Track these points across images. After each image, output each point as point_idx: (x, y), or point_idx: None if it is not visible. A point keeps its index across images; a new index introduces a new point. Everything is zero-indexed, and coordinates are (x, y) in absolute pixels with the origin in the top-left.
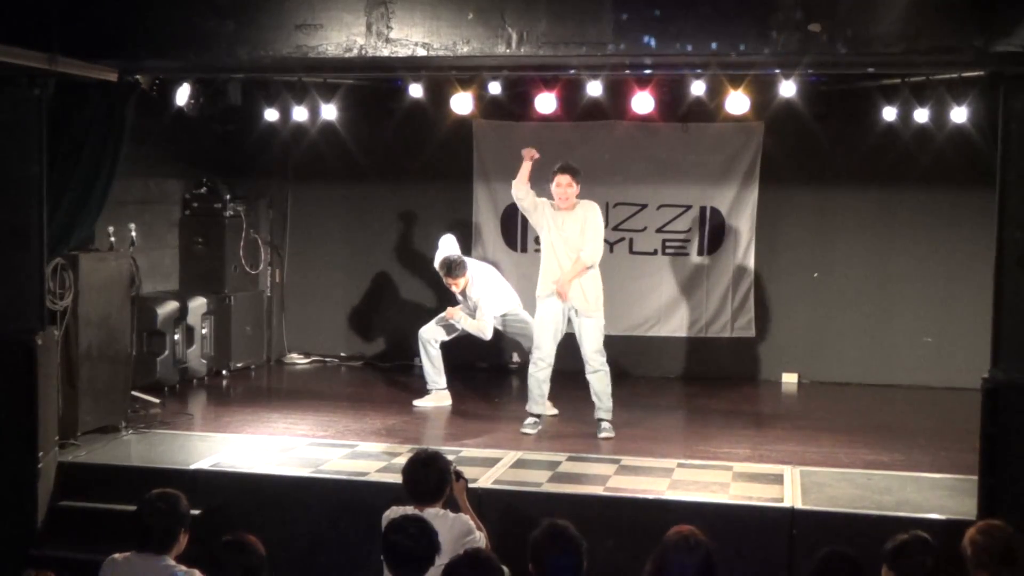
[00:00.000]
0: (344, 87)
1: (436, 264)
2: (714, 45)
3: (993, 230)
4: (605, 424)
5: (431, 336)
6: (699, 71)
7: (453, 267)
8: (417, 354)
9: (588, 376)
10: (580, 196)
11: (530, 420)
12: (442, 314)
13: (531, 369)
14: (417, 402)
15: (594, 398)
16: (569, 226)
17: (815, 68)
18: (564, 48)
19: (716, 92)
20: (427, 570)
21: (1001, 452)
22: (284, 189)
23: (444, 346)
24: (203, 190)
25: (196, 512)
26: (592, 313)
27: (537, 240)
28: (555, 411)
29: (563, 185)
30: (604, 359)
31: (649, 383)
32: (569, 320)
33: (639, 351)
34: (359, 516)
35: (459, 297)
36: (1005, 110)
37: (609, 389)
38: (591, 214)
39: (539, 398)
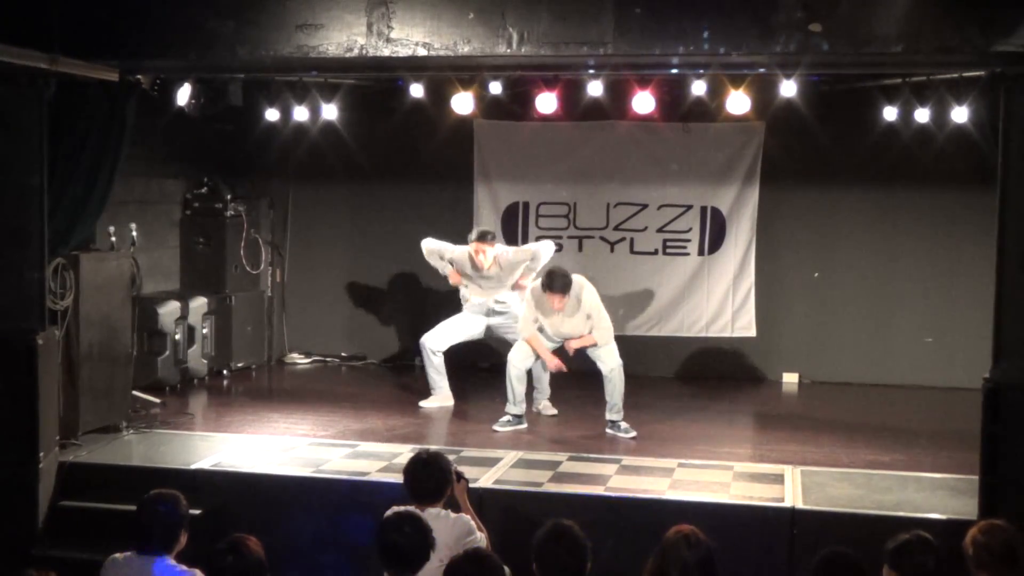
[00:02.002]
0: (345, 87)
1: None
2: (715, 45)
3: (994, 230)
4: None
5: (435, 346)
6: (700, 71)
7: (486, 233)
8: (418, 354)
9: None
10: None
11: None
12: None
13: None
14: (423, 403)
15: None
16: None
17: (816, 68)
18: (565, 48)
19: (717, 92)
20: (422, 567)
21: (1002, 452)
22: (285, 189)
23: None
24: (204, 190)
25: (196, 512)
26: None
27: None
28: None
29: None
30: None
31: (649, 383)
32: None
33: (639, 351)
34: (359, 516)
35: (478, 270)
36: (1006, 110)
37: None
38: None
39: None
